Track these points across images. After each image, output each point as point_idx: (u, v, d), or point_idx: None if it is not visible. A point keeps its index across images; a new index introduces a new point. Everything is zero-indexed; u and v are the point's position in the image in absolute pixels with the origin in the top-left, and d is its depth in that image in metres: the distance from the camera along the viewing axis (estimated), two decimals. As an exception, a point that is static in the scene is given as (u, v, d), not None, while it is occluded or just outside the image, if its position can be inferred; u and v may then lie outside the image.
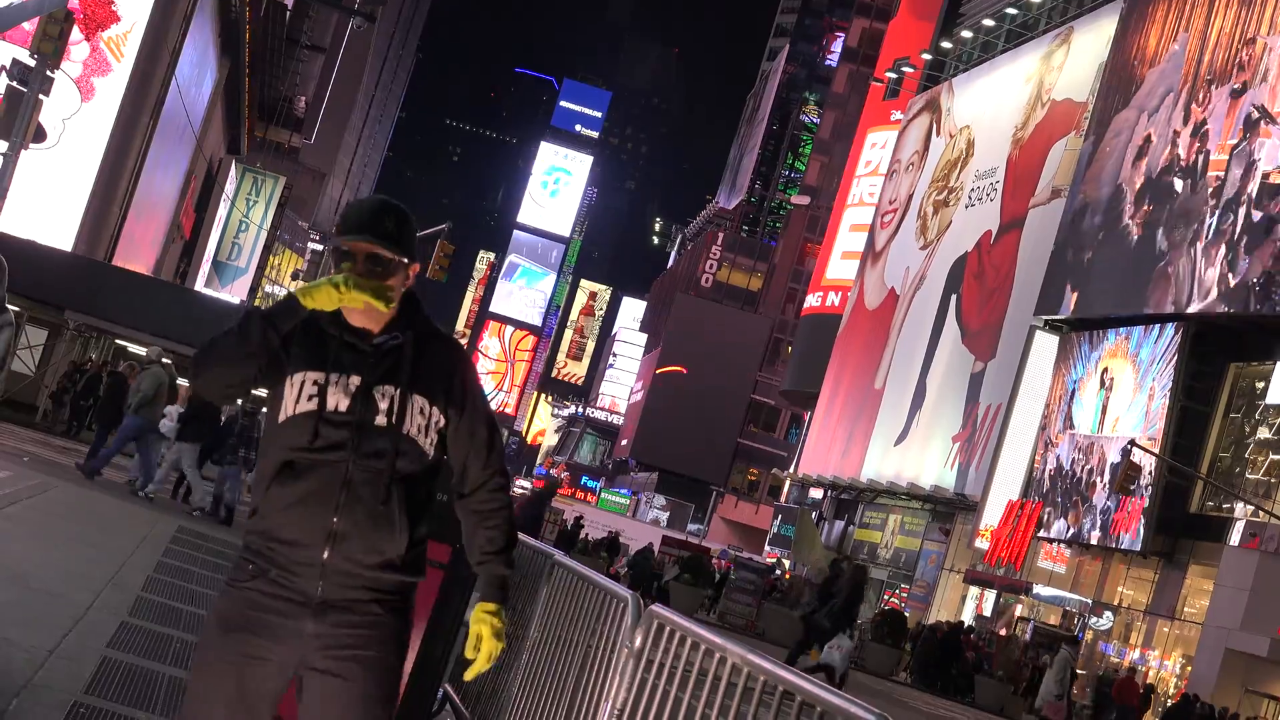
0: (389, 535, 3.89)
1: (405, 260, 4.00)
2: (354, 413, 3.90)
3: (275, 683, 3.89)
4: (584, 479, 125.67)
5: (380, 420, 3.91)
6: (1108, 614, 46.40)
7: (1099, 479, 45.60)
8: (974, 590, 54.47)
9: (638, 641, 5.67)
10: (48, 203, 40.04)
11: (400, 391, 3.93)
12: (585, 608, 6.62)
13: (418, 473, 3.97)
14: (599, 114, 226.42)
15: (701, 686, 4.99)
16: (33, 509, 15.79)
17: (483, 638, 4.05)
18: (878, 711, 3.86)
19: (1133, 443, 36.67)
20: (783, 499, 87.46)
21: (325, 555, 3.85)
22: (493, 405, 4.32)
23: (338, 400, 3.90)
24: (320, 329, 3.97)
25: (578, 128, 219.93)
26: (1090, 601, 47.20)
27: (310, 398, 3.91)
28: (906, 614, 44.72)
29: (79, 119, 41.27)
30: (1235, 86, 45.23)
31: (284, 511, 3.88)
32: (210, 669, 3.89)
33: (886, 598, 58.68)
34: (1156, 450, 41.43)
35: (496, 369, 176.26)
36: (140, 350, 36.21)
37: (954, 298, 62.90)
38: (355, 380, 3.92)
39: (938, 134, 71.78)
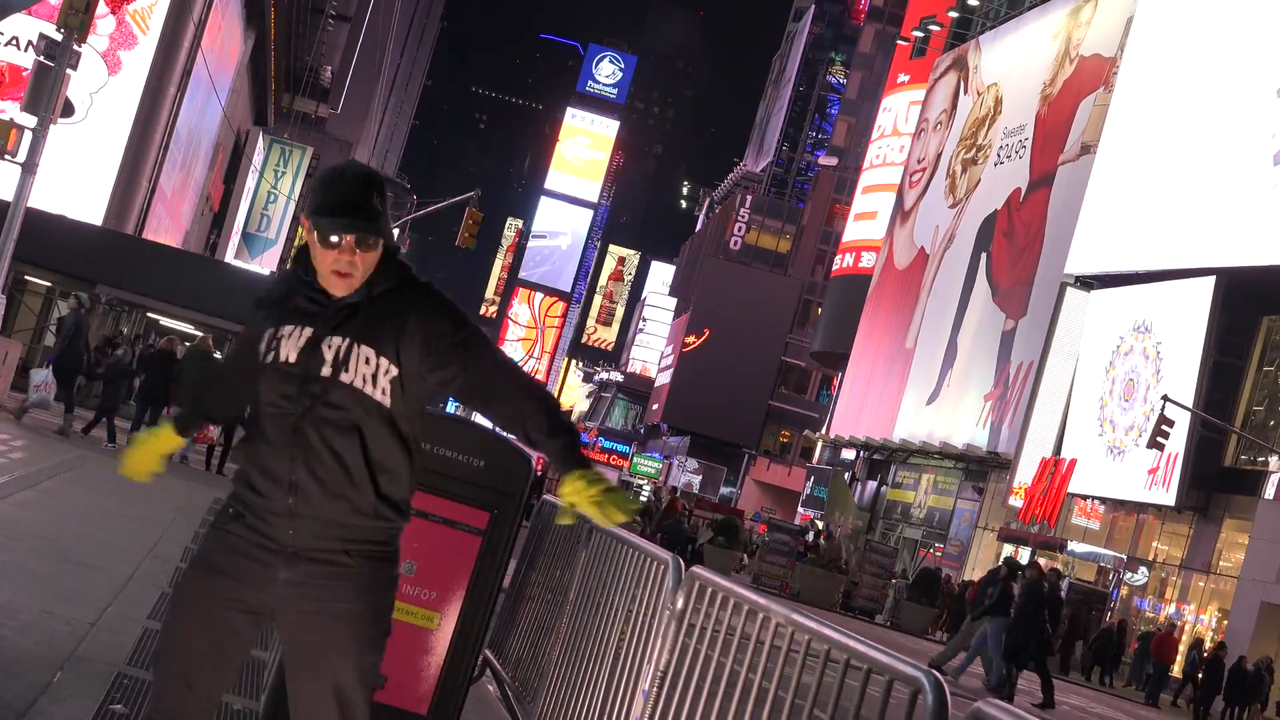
0: (348, 484, 3.91)
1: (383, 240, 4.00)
2: (299, 364, 3.93)
3: (246, 626, 3.97)
4: (614, 443, 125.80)
5: (325, 371, 3.92)
6: (1143, 569, 46.31)
7: (1133, 434, 45.43)
8: (1008, 548, 54.38)
9: (679, 603, 5.66)
10: (77, 177, 40.16)
11: (348, 342, 3.93)
12: (624, 571, 6.61)
13: (376, 422, 3.95)
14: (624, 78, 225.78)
15: (744, 651, 4.98)
16: (68, 482, 15.87)
17: (577, 506, 4.03)
18: (925, 668, 3.83)
19: (1166, 397, 36.45)
20: (815, 461, 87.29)
21: (290, 502, 3.90)
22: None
23: (288, 353, 3.94)
24: (294, 295, 4.02)
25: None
26: (1125, 557, 47.11)
27: (268, 353, 3.97)
28: (943, 572, 44.66)
29: (106, 93, 41.36)
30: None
31: (252, 462, 3.98)
32: (184, 607, 3.98)
33: (921, 557, 58.64)
34: (1189, 405, 41.25)
35: (526, 335, 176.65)
36: (171, 324, 36.36)
37: (984, 256, 62.63)
38: (307, 332, 3.95)
39: (965, 92, 71.37)
